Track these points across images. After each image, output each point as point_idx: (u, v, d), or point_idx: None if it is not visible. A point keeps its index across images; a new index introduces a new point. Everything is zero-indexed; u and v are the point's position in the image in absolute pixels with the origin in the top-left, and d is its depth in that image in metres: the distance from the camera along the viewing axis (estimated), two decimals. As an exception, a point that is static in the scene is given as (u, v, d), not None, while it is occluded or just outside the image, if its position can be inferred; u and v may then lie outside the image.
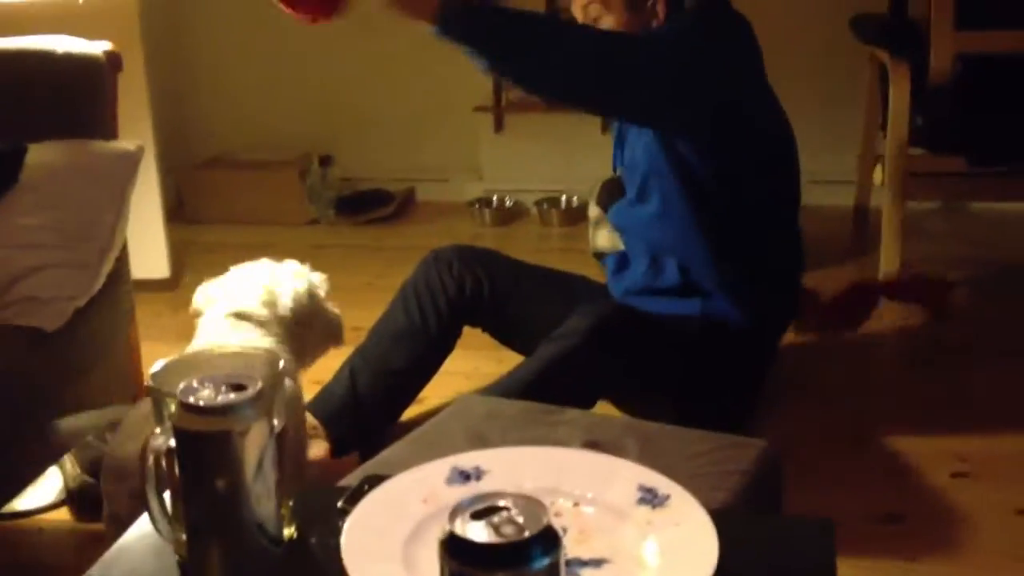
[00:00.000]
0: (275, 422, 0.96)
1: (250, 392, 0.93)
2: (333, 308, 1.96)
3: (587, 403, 1.95)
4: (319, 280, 1.94)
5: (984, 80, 2.85)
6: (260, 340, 1.78)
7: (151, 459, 0.94)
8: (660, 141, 2.09)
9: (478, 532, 0.83)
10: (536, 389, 1.82)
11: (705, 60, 2.01)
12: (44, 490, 2.04)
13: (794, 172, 2.20)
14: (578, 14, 2.13)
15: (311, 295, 1.89)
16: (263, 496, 0.93)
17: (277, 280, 1.87)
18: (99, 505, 1.69)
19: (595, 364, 1.99)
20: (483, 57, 1.90)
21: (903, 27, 2.99)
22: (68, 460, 2.00)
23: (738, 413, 2.12)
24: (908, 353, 2.69)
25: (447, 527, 0.85)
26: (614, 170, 2.41)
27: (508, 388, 1.92)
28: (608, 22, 2.07)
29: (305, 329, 1.88)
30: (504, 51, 1.92)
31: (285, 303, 1.82)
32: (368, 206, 3.95)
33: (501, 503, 0.87)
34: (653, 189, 2.16)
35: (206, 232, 3.73)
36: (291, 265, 1.93)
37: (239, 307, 1.82)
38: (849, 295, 2.55)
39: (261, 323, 1.81)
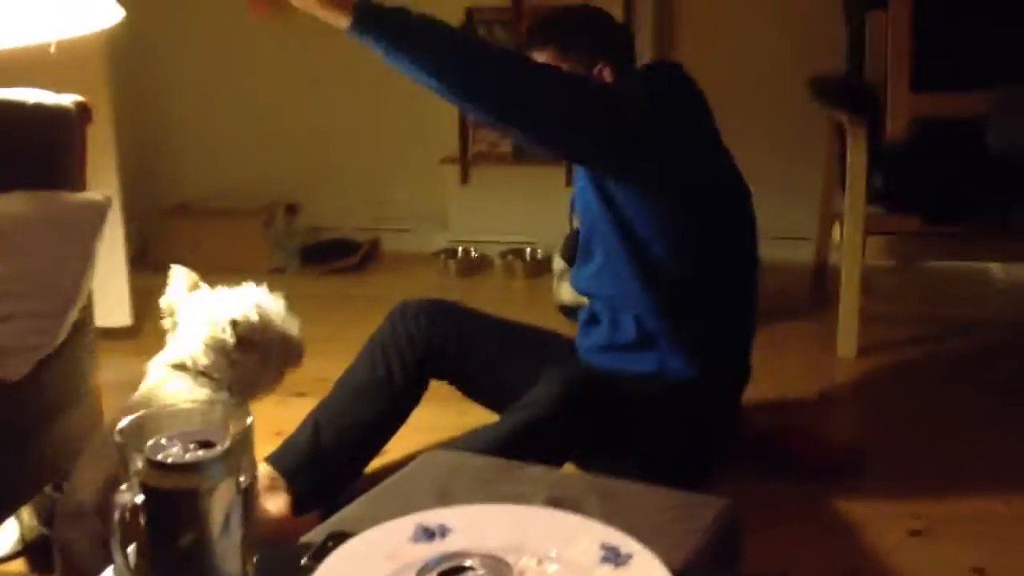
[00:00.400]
0: (242, 479, 0.97)
1: (218, 450, 0.94)
2: (291, 328, 1.94)
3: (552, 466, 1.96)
4: (273, 303, 1.92)
5: (939, 141, 2.93)
6: (194, 392, 1.80)
7: (117, 514, 0.94)
8: (599, 196, 2.13)
9: (443, 592, 0.84)
10: (501, 456, 1.83)
11: (656, 110, 2.05)
12: (-1, 541, 2.02)
13: (747, 230, 2.24)
14: None
15: (261, 319, 1.86)
16: (229, 552, 0.94)
17: (221, 310, 1.85)
18: (53, 556, 1.68)
19: (560, 433, 2.01)
20: (398, 55, 1.83)
21: (860, 89, 3.07)
22: (25, 511, 1.98)
23: (697, 469, 2.14)
24: (866, 411, 2.72)
25: (413, 586, 0.86)
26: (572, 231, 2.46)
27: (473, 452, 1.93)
28: None
29: (259, 353, 1.87)
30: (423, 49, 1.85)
31: (226, 338, 1.82)
32: (333, 255, 3.97)
33: (467, 563, 0.89)
34: (596, 244, 2.20)
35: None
36: (245, 290, 1.92)
37: (176, 358, 1.83)
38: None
39: (199, 372, 1.82)
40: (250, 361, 1.86)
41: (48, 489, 1.93)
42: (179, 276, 1.93)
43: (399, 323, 2.27)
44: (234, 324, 1.83)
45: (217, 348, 1.83)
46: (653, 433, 2.12)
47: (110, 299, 2.95)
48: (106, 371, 2.17)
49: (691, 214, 2.12)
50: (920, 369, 2.95)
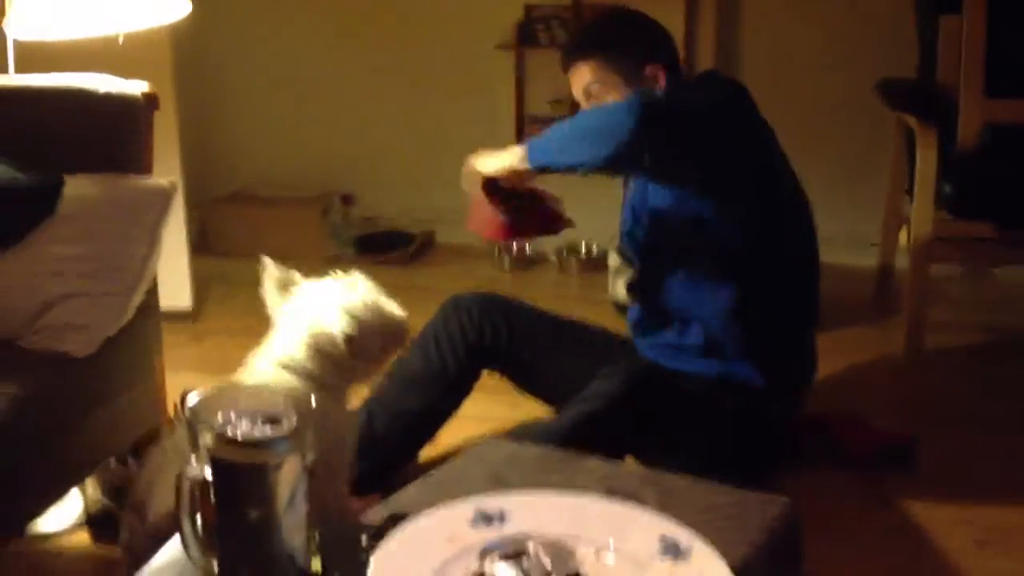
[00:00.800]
0: (307, 457, 0.98)
1: (285, 427, 0.96)
2: (390, 312, 1.86)
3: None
4: (367, 291, 1.84)
5: (1011, 147, 2.88)
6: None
7: (187, 486, 0.96)
8: (677, 207, 2.12)
9: (506, 573, 0.85)
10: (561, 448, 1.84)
11: (722, 110, 2.05)
12: (64, 513, 2.06)
13: (811, 233, 2.23)
14: (580, 98, 2.18)
15: (363, 319, 1.79)
16: (294, 528, 0.95)
17: (327, 317, 1.78)
18: (117, 530, 1.70)
19: (620, 427, 2.01)
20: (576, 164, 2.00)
21: (930, 93, 3.02)
22: (89, 484, 2.03)
23: (755, 470, 2.12)
24: (933, 418, 2.68)
25: (476, 567, 0.87)
26: (621, 239, 2.44)
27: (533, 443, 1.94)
28: (611, 100, 2.11)
29: (367, 353, 1.82)
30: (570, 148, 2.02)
31: (335, 351, 1.78)
32: (388, 246, 3.99)
33: (530, 546, 0.89)
34: (675, 254, 2.18)
35: (228, 265, 3.76)
36: (340, 286, 1.84)
37: (284, 356, 1.77)
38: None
39: (307, 374, 1.76)
40: (362, 364, 1.83)
41: (112, 462, 1.97)
42: (271, 274, 1.87)
43: (452, 315, 2.28)
44: (349, 340, 1.77)
45: (326, 355, 1.77)
46: (713, 433, 2.11)
47: (171, 283, 2.99)
48: (165, 352, 2.20)
49: (759, 223, 2.10)
50: (984, 377, 2.89)
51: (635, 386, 2.04)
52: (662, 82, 2.14)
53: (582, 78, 2.15)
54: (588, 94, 2.15)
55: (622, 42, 2.16)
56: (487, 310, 2.30)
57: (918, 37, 3.20)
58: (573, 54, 2.19)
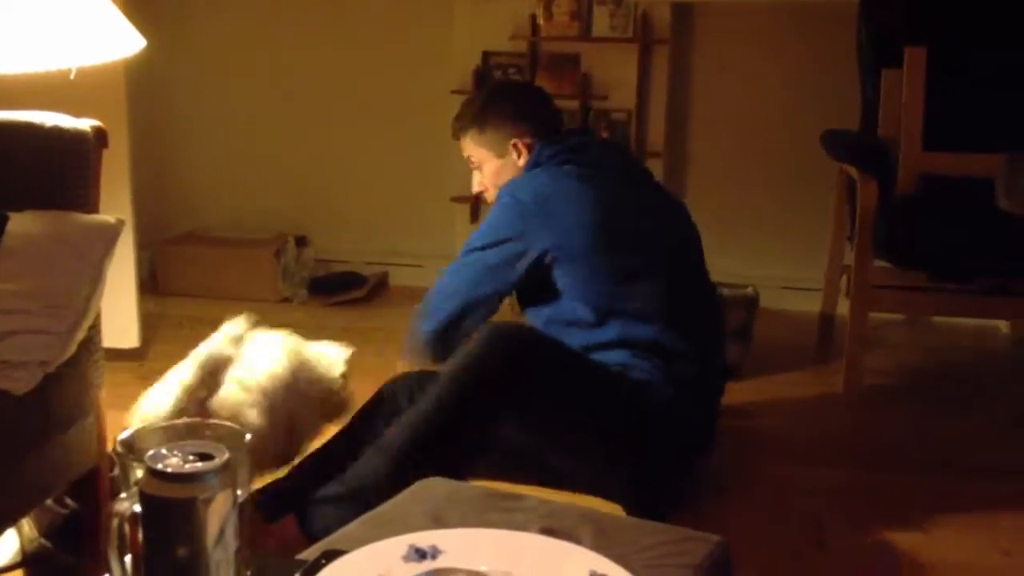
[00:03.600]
0: (238, 492, 0.99)
1: (216, 462, 0.96)
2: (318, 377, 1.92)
3: (485, 433, 1.98)
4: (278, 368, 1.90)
5: (948, 198, 2.96)
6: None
7: (116, 523, 0.96)
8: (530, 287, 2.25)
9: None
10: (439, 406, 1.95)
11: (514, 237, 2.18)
12: (0, 551, 2.02)
13: (689, 273, 2.31)
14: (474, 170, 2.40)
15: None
16: (223, 564, 0.95)
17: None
18: (54, 570, 1.68)
19: (499, 377, 1.99)
20: None
21: (871, 144, 3.10)
22: (26, 523, 1.99)
23: (658, 485, 2.12)
24: (870, 458, 2.73)
25: (401, 601, 0.87)
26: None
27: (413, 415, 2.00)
28: (487, 169, 2.35)
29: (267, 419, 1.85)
30: None
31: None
32: (341, 288, 3.99)
33: (455, 580, 0.90)
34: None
35: (177, 305, 3.76)
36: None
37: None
38: None
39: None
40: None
41: (50, 502, 1.95)
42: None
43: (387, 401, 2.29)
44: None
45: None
46: (611, 413, 2.09)
47: (119, 322, 2.98)
48: (110, 390, 2.19)
49: (607, 279, 2.19)
50: (919, 420, 2.95)
51: (507, 335, 2.04)
52: (524, 155, 2.31)
53: (465, 150, 2.38)
54: (472, 164, 2.38)
55: (489, 118, 2.34)
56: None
57: (861, 90, 3.29)
58: (454, 130, 2.39)
